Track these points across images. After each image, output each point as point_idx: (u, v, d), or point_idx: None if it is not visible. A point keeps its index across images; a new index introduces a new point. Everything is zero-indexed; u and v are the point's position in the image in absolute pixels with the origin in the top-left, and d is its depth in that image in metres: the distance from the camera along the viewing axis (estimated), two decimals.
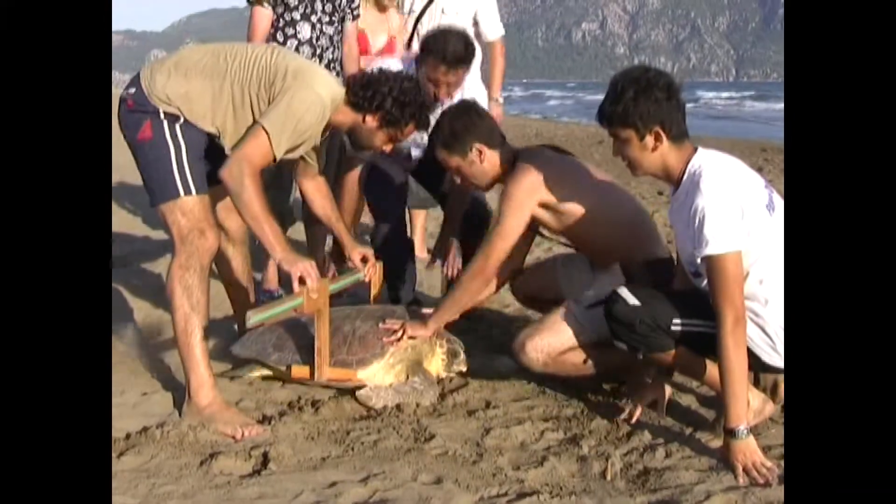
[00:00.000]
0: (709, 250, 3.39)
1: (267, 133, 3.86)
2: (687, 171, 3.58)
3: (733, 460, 3.37)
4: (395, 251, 5.19)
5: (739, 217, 3.41)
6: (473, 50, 5.06)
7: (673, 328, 3.62)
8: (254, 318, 3.74)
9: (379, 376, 4.23)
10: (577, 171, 4.20)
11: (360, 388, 4.20)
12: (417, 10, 6.51)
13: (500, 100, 6.83)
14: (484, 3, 6.70)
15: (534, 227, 4.26)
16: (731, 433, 3.38)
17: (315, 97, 3.96)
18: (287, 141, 3.93)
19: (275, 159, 3.95)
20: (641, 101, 3.50)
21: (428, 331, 4.24)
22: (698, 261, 3.50)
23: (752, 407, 3.59)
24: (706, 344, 3.51)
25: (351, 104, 4.11)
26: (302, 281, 3.89)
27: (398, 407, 4.12)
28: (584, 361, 4.01)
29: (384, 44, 6.33)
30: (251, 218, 3.86)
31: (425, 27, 6.41)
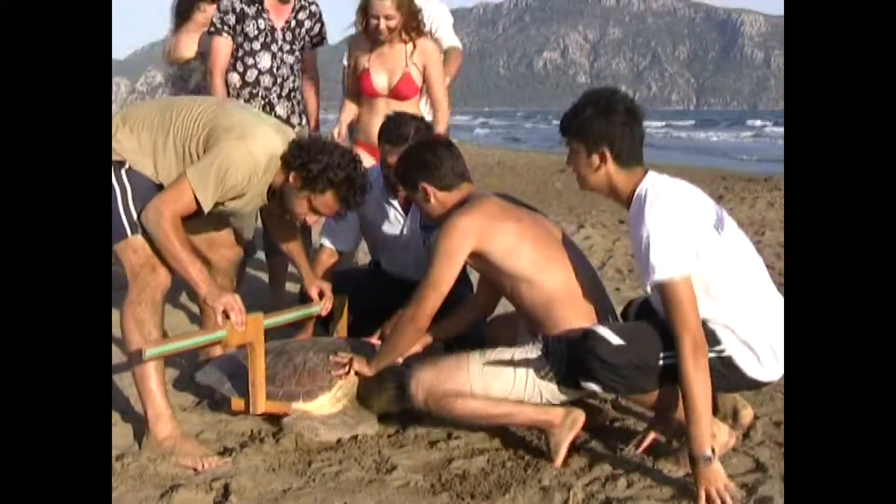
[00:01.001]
0: (657, 277, 3.40)
1: (189, 181, 3.87)
2: (635, 195, 3.61)
3: (698, 486, 3.36)
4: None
5: (686, 241, 3.44)
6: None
7: (660, 363, 3.58)
8: (150, 350, 3.75)
9: (325, 408, 4.22)
10: (519, 225, 3.91)
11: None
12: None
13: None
14: (441, 19, 6.65)
15: None
16: (695, 460, 3.37)
17: (244, 152, 3.94)
18: (212, 192, 3.90)
19: (201, 209, 3.93)
20: (596, 120, 3.60)
21: (370, 371, 4.21)
22: (648, 289, 3.51)
23: (719, 440, 3.57)
24: None
25: (283, 160, 4.07)
26: (227, 314, 3.89)
27: (356, 438, 4.10)
28: (469, 411, 3.84)
29: (397, 82, 5.81)
30: (172, 259, 3.88)
31: None
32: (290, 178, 4.05)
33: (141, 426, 4.03)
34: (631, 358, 3.53)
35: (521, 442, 4.02)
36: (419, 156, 4.09)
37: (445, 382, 3.83)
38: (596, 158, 3.62)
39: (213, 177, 3.87)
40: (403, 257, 5.08)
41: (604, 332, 3.57)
